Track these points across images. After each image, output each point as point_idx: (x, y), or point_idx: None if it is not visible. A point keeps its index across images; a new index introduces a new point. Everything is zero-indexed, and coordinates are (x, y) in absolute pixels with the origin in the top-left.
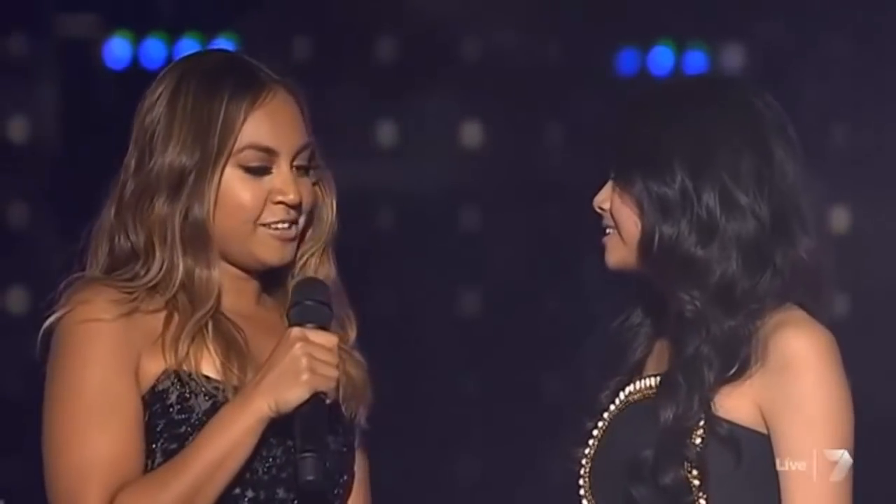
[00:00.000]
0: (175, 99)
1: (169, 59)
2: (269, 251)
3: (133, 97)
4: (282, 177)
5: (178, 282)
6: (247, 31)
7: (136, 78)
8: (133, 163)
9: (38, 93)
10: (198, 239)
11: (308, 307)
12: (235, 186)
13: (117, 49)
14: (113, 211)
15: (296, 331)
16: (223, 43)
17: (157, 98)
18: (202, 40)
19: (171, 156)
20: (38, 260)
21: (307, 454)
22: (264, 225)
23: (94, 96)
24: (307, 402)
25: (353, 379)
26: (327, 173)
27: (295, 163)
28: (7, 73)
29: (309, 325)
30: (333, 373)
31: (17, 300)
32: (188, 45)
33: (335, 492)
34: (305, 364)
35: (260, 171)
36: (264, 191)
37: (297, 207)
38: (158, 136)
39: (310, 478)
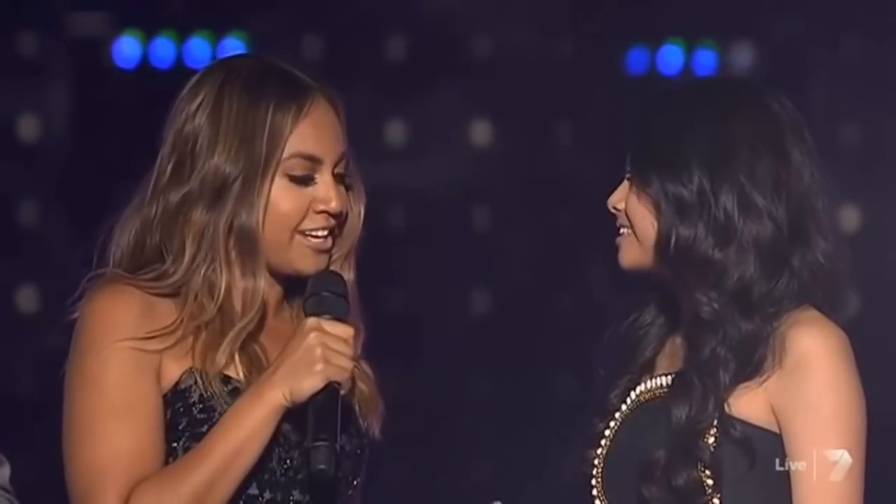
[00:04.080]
0: (218, 107)
1: (178, 59)
2: (306, 261)
3: (143, 96)
4: (325, 186)
5: (222, 289)
6: (256, 31)
7: (146, 77)
8: (170, 169)
9: (49, 92)
10: (246, 248)
11: (324, 298)
12: (281, 195)
13: (127, 48)
14: (144, 212)
15: (311, 321)
16: (233, 42)
17: (198, 106)
18: (212, 40)
19: (216, 164)
20: (48, 258)
21: (320, 443)
22: (302, 233)
23: (104, 95)
24: (321, 391)
25: (363, 392)
26: (359, 181)
27: (335, 171)
28: (18, 72)
29: (325, 316)
30: (348, 363)
31: (28, 299)
32: (198, 45)
33: (348, 493)
34: (320, 354)
35: (304, 180)
36: (307, 199)
37: (337, 216)
38: (201, 144)
39: (322, 467)
